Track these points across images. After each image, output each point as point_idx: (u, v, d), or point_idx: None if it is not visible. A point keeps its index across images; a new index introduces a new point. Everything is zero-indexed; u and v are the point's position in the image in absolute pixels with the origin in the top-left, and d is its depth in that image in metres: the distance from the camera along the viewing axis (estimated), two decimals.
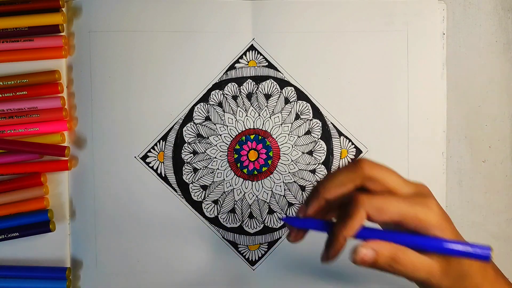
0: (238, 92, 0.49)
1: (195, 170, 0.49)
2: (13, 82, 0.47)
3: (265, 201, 0.50)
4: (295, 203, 0.50)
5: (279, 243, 0.50)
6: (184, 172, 0.49)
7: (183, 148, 0.49)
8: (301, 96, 0.50)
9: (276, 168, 0.50)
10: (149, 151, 0.49)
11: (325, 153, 0.50)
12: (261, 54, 0.49)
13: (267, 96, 0.50)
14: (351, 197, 0.34)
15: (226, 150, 0.49)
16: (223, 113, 0.49)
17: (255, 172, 0.50)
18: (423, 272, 0.34)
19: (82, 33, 0.48)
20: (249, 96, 0.50)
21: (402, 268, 0.34)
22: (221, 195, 0.50)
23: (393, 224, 0.34)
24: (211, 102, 0.49)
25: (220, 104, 0.49)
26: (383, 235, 0.35)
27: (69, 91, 0.49)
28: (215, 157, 0.49)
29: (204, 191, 0.49)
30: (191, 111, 0.49)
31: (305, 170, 0.50)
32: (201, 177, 0.49)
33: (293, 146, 0.50)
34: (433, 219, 0.34)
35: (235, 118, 0.49)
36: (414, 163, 0.49)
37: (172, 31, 0.49)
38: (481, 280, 0.35)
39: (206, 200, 0.49)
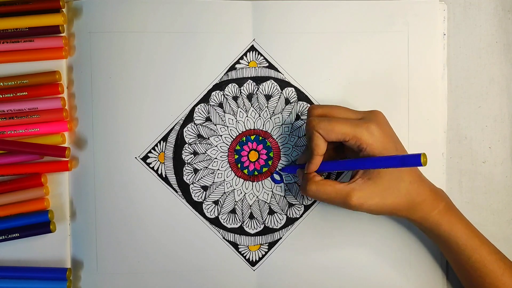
0: (239, 93, 0.49)
1: (196, 170, 0.49)
2: (13, 82, 0.47)
3: (266, 202, 0.50)
4: (295, 204, 0.50)
5: (280, 244, 0.50)
6: (184, 173, 0.49)
7: (184, 148, 0.49)
8: (302, 96, 0.50)
9: (276, 169, 0.50)
10: (150, 151, 0.49)
11: None
12: (261, 55, 0.49)
13: (268, 97, 0.50)
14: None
15: (227, 151, 0.49)
16: (223, 113, 0.49)
17: (256, 173, 0.50)
18: (339, 200, 0.42)
19: (83, 34, 0.48)
20: (249, 96, 0.50)
21: (320, 197, 0.43)
22: (222, 195, 0.50)
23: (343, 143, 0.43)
24: (211, 103, 0.49)
25: (220, 105, 0.49)
26: (330, 166, 0.43)
27: (70, 91, 0.49)
28: (216, 158, 0.49)
29: (204, 192, 0.49)
30: (192, 111, 0.49)
31: None
32: (201, 177, 0.49)
33: (294, 146, 0.50)
34: (369, 138, 0.41)
35: (236, 118, 0.49)
36: None
37: (172, 32, 0.49)
38: (430, 208, 0.44)
39: (207, 201, 0.49)
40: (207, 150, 0.49)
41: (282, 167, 0.50)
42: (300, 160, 0.48)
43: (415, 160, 0.37)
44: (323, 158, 0.44)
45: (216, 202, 0.50)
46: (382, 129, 0.42)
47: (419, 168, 0.45)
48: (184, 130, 0.49)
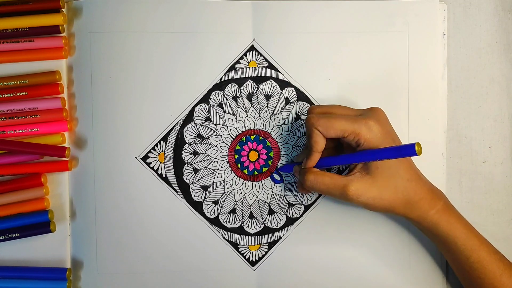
0: (239, 93, 0.49)
1: (196, 170, 0.49)
2: (13, 82, 0.47)
3: (266, 202, 0.50)
4: (295, 204, 0.50)
5: (280, 244, 0.50)
6: (184, 173, 0.49)
7: (184, 148, 0.49)
8: (302, 96, 0.50)
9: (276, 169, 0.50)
10: (150, 151, 0.49)
11: None
12: (261, 55, 0.49)
13: (268, 97, 0.50)
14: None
15: (227, 151, 0.49)
16: (223, 113, 0.49)
17: (256, 173, 0.50)
18: (337, 191, 0.42)
19: (83, 34, 0.48)
20: (249, 96, 0.50)
21: (318, 188, 0.43)
22: (222, 195, 0.50)
23: (342, 139, 0.43)
24: (211, 103, 0.49)
25: (220, 105, 0.49)
26: (328, 161, 0.44)
27: (70, 91, 0.49)
28: (216, 158, 0.49)
29: (204, 192, 0.49)
30: (192, 111, 0.49)
31: None
32: (201, 177, 0.49)
33: (293, 146, 0.50)
34: (367, 134, 0.41)
35: (236, 118, 0.50)
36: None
37: (172, 32, 0.49)
38: (427, 207, 0.44)
39: (207, 201, 0.49)
40: (207, 150, 0.49)
41: (281, 166, 0.50)
42: (298, 158, 0.48)
43: (410, 150, 0.37)
44: (323, 156, 0.44)
45: (216, 202, 0.50)
46: (381, 125, 0.42)
47: (420, 167, 0.45)
48: (184, 130, 0.49)
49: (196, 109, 0.49)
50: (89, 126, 0.48)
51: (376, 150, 0.41)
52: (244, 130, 0.50)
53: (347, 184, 0.42)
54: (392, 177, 0.42)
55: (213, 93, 0.49)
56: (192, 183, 0.49)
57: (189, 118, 0.49)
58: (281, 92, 0.50)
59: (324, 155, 0.44)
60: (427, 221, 0.44)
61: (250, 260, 0.50)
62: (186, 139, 0.49)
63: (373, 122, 0.42)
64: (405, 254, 0.50)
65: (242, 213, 0.50)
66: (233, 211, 0.50)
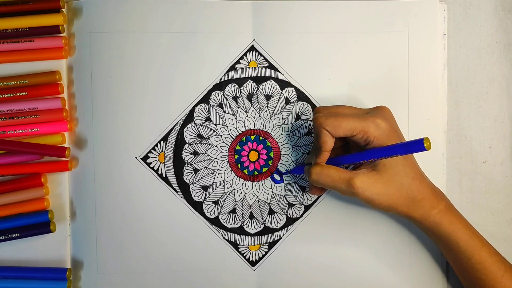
0: (239, 93, 0.49)
1: (196, 170, 0.49)
2: (13, 82, 0.47)
3: (266, 202, 0.50)
4: (295, 204, 0.50)
5: (280, 244, 0.50)
6: (184, 173, 0.49)
7: (184, 148, 0.49)
8: (302, 96, 0.50)
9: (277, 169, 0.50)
10: (150, 151, 0.49)
11: None
12: (261, 55, 0.49)
13: (268, 97, 0.50)
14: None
15: (227, 151, 0.49)
16: (223, 113, 0.49)
17: (256, 173, 0.50)
18: (343, 184, 0.42)
19: (83, 34, 0.48)
20: (249, 96, 0.50)
21: (324, 180, 0.43)
22: (222, 195, 0.50)
23: (351, 138, 0.43)
24: (211, 103, 0.49)
25: (220, 105, 0.49)
26: (337, 160, 0.44)
27: (70, 91, 0.49)
28: (216, 158, 0.49)
29: (204, 192, 0.49)
30: (192, 111, 0.49)
31: None
32: (201, 177, 0.49)
33: (294, 146, 0.50)
34: (376, 131, 0.42)
35: (236, 118, 0.50)
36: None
37: (172, 32, 0.49)
38: (430, 207, 0.44)
39: (207, 201, 0.49)
40: (207, 150, 0.49)
41: (283, 167, 0.50)
42: (309, 160, 0.48)
43: (419, 145, 0.37)
44: (330, 156, 0.44)
45: (216, 202, 0.50)
46: (388, 122, 0.43)
47: (421, 168, 0.45)
48: (184, 130, 0.49)
49: (196, 109, 0.49)
50: (89, 126, 0.48)
51: (385, 147, 0.41)
52: (244, 130, 0.50)
53: (353, 177, 0.42)
54: (398, 175, 0.43)
55: (213, 93, 0.49)
56: (192, 183, 0.49)
57: (189, 118, 0.49)
58: (281, 92, 0.50)
59: (332, 155, 0.45)
60: (429, 221, 0.44)
61: (250, 260, 0.50)
62: (186, 139, 0.49)
63: (380, 119, 0.42)
64: (405, 254, 0.50)
65: (242, 213, 0.50)
66: (233, 211, 0.50)
